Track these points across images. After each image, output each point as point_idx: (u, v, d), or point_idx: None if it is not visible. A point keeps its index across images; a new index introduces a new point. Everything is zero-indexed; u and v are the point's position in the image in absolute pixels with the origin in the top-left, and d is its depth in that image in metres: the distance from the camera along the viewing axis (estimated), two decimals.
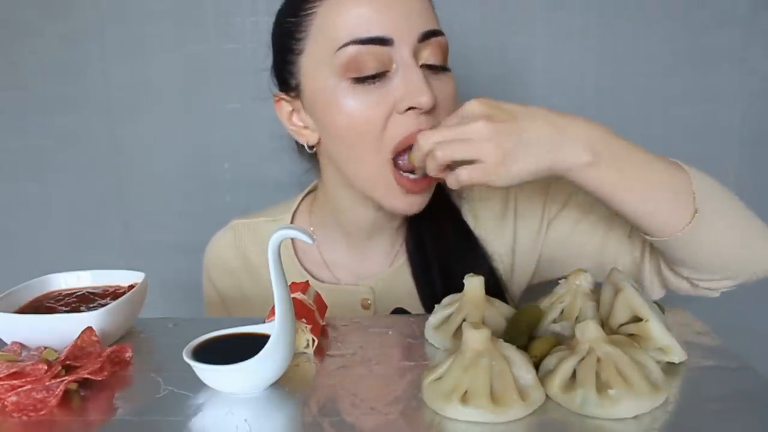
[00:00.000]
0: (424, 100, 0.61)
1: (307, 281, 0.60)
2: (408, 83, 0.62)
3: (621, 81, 1.07)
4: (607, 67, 1.07)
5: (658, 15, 1.05)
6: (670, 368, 0.48)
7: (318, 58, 0.65)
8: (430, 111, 0.63)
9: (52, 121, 1.11)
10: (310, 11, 0.65)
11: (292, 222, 0.81)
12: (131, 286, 0.59)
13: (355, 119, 0.63)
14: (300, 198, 0.83)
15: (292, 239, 0.68)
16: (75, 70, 1.09)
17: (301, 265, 0.78)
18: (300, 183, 0.85)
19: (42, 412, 0.44)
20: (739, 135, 1.09)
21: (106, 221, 1.15)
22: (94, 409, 0.46)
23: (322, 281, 0.77)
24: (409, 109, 0.62)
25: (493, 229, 0.76)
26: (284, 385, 0.48)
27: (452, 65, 0.73)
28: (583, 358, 0.44)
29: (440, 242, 0.75)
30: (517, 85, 1.08)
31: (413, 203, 0.67)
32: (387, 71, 0.63)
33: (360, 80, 0.63)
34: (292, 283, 0.58)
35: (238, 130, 1.10)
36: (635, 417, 0.41)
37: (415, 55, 0.63)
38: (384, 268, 0.77)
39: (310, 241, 0.44)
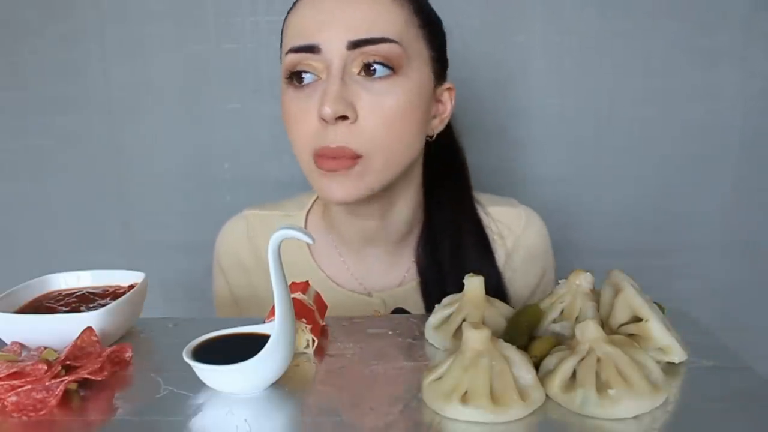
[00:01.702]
0: (324, 111, 0.62)
1: (308, 281, 0.60)
2: (322, 94, 0.63)
3: (620, 81, 1.07)
4: (607, 68, 1.07)
5: (658, 15, 1.05)
6: (670, 368, 0.48)
7: (281, 61, 0.69)
8: (350, 122, 0.63)
9: (52, 121, 1.11)
10: (286, 17, 0.69)
11: (306, 220, 0.80)
12: (131, 286, 0.59)
13: (290, 121, 0.67)
14: (315, 196, 0.82)
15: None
16: (75, 70, 1.09)
17: (316, 263, 0.77)
18: (300, 183, 0.85)
19: (42, 412, 0.44)
20: (740, 135, 1.09)
21: (107, 221, 1.15)
22: (94, 409, 0.45)
23: (337, 283, 0.76)
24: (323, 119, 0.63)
25: (523, 267, 0.79)
26: (284, 385, 0.48)
27: (451, 67, 0.73)
28: (583, 358, 0.44)
29: (459, 268, 0.74)
30: (517, 86, 1.08)
31: (339, 187, 0.65)
32: (320, 79, 0.65)
33: (296, 86, 0.66)
34: (292, 283, 0.58)
35: (238, 130, 1.10)
36: (635, 417, 0.41)
37: (347, 63, 0.63)
38: (392, 284, 0.77)
39: (310, 241, 0.44)
